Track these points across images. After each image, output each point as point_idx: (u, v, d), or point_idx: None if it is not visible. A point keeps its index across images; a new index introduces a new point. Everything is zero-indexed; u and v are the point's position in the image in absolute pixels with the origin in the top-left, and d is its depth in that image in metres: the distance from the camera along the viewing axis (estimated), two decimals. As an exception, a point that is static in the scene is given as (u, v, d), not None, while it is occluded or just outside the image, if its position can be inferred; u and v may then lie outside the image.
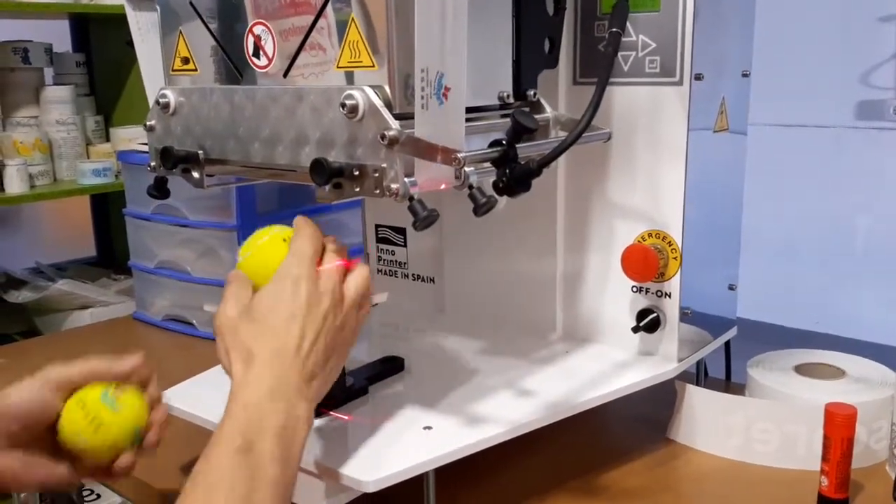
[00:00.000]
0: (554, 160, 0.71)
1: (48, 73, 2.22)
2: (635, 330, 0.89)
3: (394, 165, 0.65)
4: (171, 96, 0.80)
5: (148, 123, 0.83)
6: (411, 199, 0.65)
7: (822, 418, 0.77)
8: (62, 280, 2.03)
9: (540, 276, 0.96)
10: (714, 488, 0.83)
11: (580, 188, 0.92)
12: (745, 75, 0.94)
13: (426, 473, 0.75)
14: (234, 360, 0.65)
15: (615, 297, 0.92)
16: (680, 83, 0.83)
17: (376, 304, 0.81)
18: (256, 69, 0.76)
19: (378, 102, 0.65)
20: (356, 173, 0.67)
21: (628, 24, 0.85)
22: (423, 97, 0.62)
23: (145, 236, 1.38)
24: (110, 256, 2.47)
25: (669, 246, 0.87)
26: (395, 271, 1.12)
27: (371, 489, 0.69)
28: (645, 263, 0.85)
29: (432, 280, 1.09)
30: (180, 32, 0.81)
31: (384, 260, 1.13)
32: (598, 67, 0.78)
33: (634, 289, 0.90)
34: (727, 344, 1.03)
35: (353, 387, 0.83)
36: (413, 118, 0.64)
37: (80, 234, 2.56)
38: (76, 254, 2.51)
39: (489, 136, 0.74)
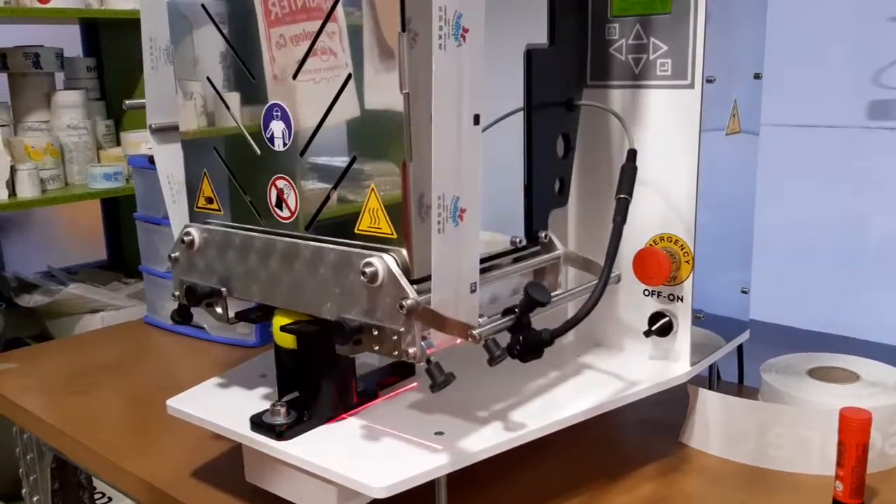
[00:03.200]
0: (565, 333, 0.72)
1: (59, 77, 2.23)
2: (647, 334, 0.88)
3: (411, 331, 0.66)
4: (196, 234, 0.82)
5: (172, 255, 0.85)
6: (429, 361, 0.67)
7: (836, 423, 0.77)
8: (73, 284, 2.04)
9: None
10: (727, 493, 0.83)
11: (591, 192, 0.91)
12: (756, 77, 0.94)
13: (438, 478, 0.74)
14: None
15: (627, 301, 0.91)
16: (691, 86, 0.83)
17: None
18: (279, 220, 0.78)
19: (397, 271, 0.67)
20: (375, 333, 0.69)
21: (639, 26, 0.84)
22: (439, 222, 0.63)
23: (156, 240, 1.38)
24: (121, 260, 2.48)
25: (681, 249, 0.86)
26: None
27: (382, 495, 0.69)
28: (657, 267, 0.84)
29: (443, 284, 1.08)
30: (205, 173, 0.83)
31: (394, 263, 1.12)
32: (609, 239, 0.77)
33: (646, 292, 0.90)
34: (740, 347, 1.02)
35: (364, 391, 0.83)
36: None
37: (91, 238, 2.57)
38: (87, 258, 2.52)
39: (503, 281, 0.76)
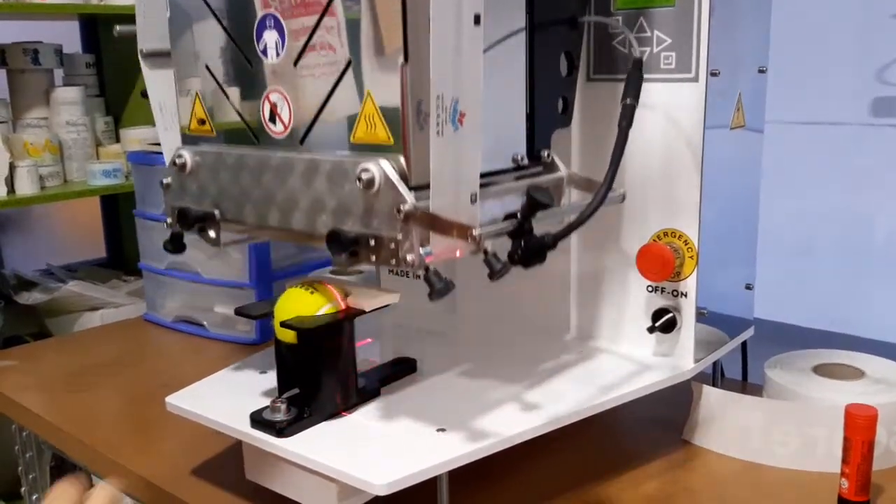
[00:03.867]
0: (567, 236, 0.70)
1: (58, 74, 2.22)
2: (651, 330, 0.88)
3: (409, 237, 0.65)
4: (188, 157, 0.81)
5: (164, 181, 0.83)
6: (427, 269, 0.65)
7: (841, 420, 0.76)
8: (73, 282, 2.04)
9: (554, 276, 0.95)
10: (732, 491, 0.82)
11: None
12: (761, 71, 0.93)
13: (439, 476, 0.74)
14: None
15: (630, 297, 0.90)
16: (696, 79, 0.82)
17: (387, 306, 0.80)
18: (273, 135, 0.76)
19: (394, 176, 0.65)
20: (372, 243, 0.67)
21: (642, 19, 0.84)
22: (438, 124, 0.61)
23: (155, 237, 1.38)
24: (120, 258, 2.48)
25: (685, 245, 0.85)
26: (407, 271, 1.11)
27: (384, 492, 0.68)
28: (661, 263, 0.84)
29: (444, 280, 1.08)
30: (196, 94, 0.81)
31: (395, 260, 1.12)
32: (614, 144, 0.75)
33: (650, 288, 0.89)
34: (744, 344, 1.02)
35: (365, 388, 0.82)
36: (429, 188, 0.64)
37: (90, 235, 2.56)
38: (86, 255, 2.51)
39: (504, 198, 0.74)
